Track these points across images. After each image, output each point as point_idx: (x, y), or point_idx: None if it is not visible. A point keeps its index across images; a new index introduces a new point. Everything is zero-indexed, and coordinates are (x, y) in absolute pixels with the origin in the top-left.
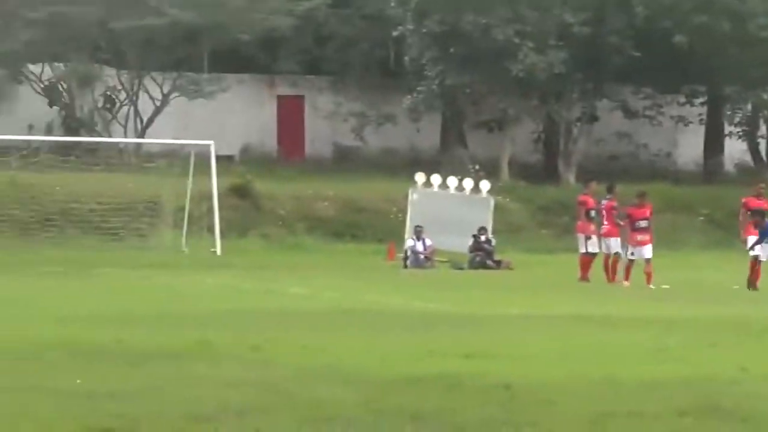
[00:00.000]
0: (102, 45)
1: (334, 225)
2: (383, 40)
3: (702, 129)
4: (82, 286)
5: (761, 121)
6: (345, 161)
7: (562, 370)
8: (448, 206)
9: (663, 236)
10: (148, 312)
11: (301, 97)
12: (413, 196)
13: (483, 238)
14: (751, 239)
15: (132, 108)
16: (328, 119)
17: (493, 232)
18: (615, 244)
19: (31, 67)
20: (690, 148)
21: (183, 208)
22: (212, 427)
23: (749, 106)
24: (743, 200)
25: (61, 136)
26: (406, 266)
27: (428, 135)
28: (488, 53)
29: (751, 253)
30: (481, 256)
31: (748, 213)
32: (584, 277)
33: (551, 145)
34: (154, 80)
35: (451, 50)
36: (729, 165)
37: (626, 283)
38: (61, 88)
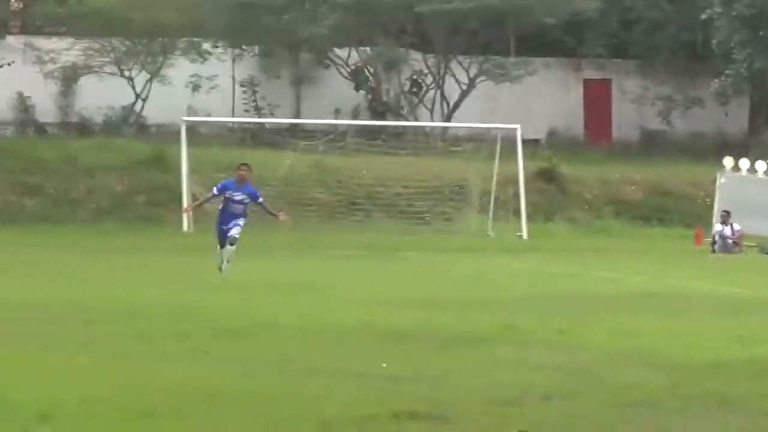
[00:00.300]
0: (408, 29)
1: (640, 209)
2: (691, 24)
3: None
4: (387, 269)
5: None
6: (652, 145)
7: None
8: (757, 191)
9: None
10: (453, 296)
11: (607, 81)
12: (721, 180)
13: None
14: None
15: (438, 92)
16: (635, 103)
17: None
18: None
19: (338, 51)
20: None
21: (489, 192)
22: (517, 411)
23: None
24: None
25: (367, 120)
26: (713, 251)
27: (736, 119)
28: None
29: None
30: None
31: None
32: None
33: None
34: (461, 64)
35: (761, 33)
36: None
37: None
38: (367, 73)
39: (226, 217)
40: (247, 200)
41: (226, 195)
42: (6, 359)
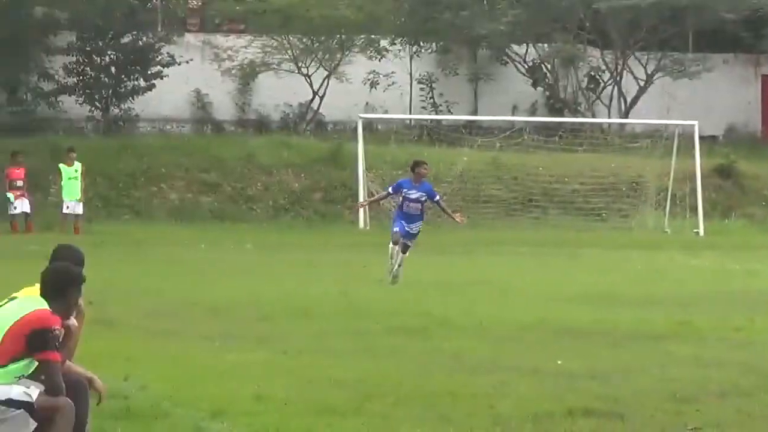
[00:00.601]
0: (586, 25)
1: None
2: None
3: None
4: (564, 266)
5: None
6: None
7: None
8: None
9: None
10: (629, 293)
11: None
12: None
13: None
14: None
15: (615, 88)
16: None
17: None
18: None
19: (516, 48)
20: None
21: (665, 189)
22: (692, 408)
23: None
24: None
25: (544, 117)
26: None
27: None
28: None
29: None
30: None
31: None
32: None
33: None
34: (638, 60)
35: None
36: None
37: None
38: (544, 69)
39: (403, 217)
40: (424, 198)
41: (402, 193)
42: (182, 356)
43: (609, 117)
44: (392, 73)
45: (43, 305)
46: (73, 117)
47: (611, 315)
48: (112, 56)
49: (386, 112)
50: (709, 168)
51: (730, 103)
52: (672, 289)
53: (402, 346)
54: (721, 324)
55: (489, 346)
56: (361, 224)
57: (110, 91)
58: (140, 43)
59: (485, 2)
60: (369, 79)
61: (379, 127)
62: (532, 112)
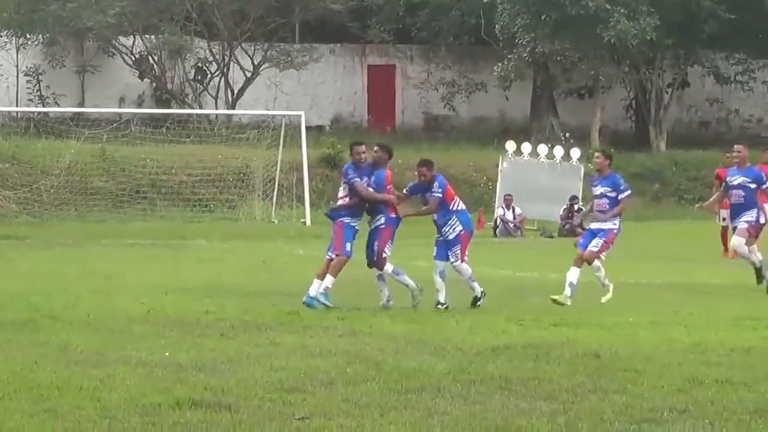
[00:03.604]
0: (193, 16)
1: None
2: (474, 8)
3: None
4: (172, 258)
5: None
6: (435, 130)
7: (650, 338)
8: (539, 175)
9: None
10: (238, 283)
11: (391, 67)
12: (503, 164)
13: (576, 207)
14: None
15: (223, 79)
16: (418, 88)
17: (583, 200)
18: None
19: (123, 39)
20: None
21: (273, 179)
22: (300, 398)
23: None
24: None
25: (152, 108)
26: (495, 235)
27: (518, 103)
28: (580, 19)
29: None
30: (571, 224)
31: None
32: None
33: (642, 112)
34: (245, 51)
35: (543, 17)
36: None
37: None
38: (152, 60)
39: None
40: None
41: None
42: None
43: (216, 108)
44: None
45: None
46: None
47: (221, 306)
48: None
49: None
50: (316, 158)
51: (337, 94)
52: (280, 280)
53: (9, 339)
54: (326, 313)
55: (97, 339)
56: None
57: None
58: None
59: None
60: None
61: None
62: (140, 103)
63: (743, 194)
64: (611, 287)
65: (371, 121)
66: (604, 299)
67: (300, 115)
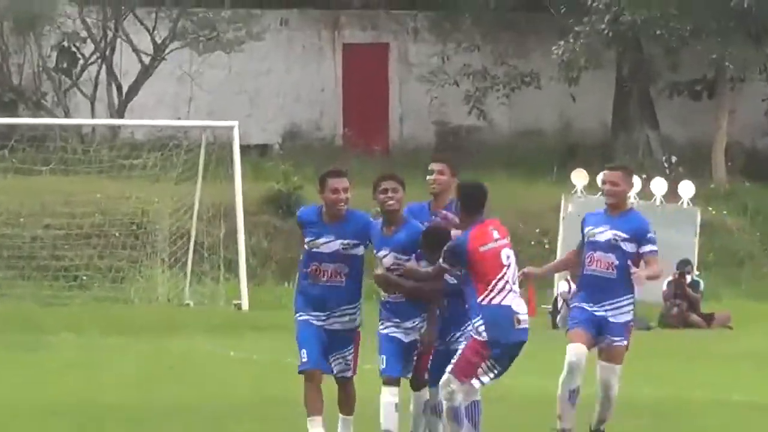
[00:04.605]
0: None
1: None
2: None
3: None
4: (21, 362)
5: None
6: (455, 150)
7: None
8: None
9: None
10: (131, 404)
11: (383, 46)
12: (569, 207)
13: (688, 278)
14: None
15: (104, 68)
16: (427, 82)
17: (699, 268)
18: None
19: None
20: None
21: (187, 234)
22: None
23: None
24: None
25: None
26: (556, 325)
27: (592, 106)
28: None
29: None
30: (682, 306)
31: None
32: None
33: None
34: (140, 21)
35: None
36: None
37: None
38: None
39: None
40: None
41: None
42: None
43: (93, 116)
44: None
45: None
46: None
47: None
48: None
49: None
50: (258, 197)
51: (292, 91)
52: (198, 396)
53: None
54: None
55: None
56: None
57: None
58: None
59: None
60: None
61: None
62: None
63: None
64: None
65: (348, 135)
66: None
67: (232, 128)
